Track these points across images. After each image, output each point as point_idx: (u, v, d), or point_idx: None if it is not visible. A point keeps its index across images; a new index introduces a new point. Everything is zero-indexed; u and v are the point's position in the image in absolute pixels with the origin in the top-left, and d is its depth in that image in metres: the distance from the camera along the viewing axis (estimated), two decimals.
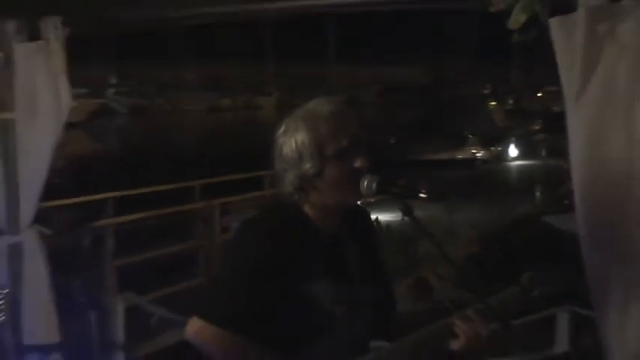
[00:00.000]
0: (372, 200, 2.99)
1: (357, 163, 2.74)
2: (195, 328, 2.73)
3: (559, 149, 26.56)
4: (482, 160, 25.52)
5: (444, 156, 21.67)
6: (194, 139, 45.72)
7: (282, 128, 2.82)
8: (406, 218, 2.70)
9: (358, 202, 2.95)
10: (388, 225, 7.76)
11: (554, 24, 3.17)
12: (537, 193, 20.55)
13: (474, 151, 26.36)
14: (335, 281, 2.81)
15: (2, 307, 4.51)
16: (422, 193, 2.62)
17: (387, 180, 2.74)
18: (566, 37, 3.17)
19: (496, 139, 30.68)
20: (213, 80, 74.77)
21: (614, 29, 3.10)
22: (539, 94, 43.35)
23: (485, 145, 27.99)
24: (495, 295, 2.79)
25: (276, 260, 2.73)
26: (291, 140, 2.78)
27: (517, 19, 3.19)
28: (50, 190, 4.69)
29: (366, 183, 2.71)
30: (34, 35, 4.55)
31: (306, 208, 2.85)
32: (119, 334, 5.75)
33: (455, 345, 2.68)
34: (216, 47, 77.36)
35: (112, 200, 9.81)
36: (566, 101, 3.25)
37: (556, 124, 31.31)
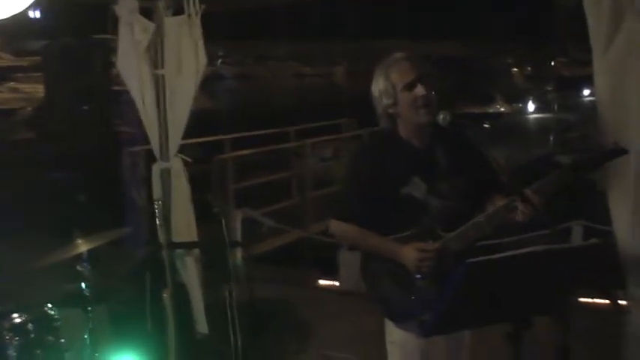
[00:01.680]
0: None
1: (420, 92, 2.89)
2: (332, 225, 3.07)
3: (567, 105, 25.95)
4: (507, 114, 25.07)
5: (478, 110, 21.35)
6: (283, 97, 45.81)
7: (373, 80, 3.02)
8: None
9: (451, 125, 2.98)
10: None
11: None
12: (550, 139, 20.15)
13: (499, 107, 25.91)
14: (425, 181, 2.94)
15: (158, 213, 4.63)
16: (485, 124, 2.65)
17: (455, 114, 2.86)
18: (594, 4, 3.06)
19: (518, 98, 30.11)
20: (297, 53, 74.43)
21: None
22: (552, 63, 42.21)
23: (509, 102, 27.46)
24: (542, 179, 2.82)
25: (378, 168, 2.96)
26: (376, 86, 3.00)
27: None
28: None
29: (441, 117, 2.88)
30: (178, 11, 4.56)
31: (399, 132, 3.01)
32: (238, 237, 5.84)
33: (517, 217, 2.77)
34: (299, 26, 76.86)
35: (228, 141, 9.89)
36: (594, 55, 3.12)
37: (565, 86, 30.68)
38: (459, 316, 2.24)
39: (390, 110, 2.97)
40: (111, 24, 4.60)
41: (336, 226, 3.05)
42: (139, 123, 4.84)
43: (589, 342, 3.88)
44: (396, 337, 3.04)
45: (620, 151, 2.85)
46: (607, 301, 5.44)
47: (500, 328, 2.37)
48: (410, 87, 2.91)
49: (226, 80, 49.87)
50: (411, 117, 2.94)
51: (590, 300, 5.56)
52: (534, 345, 2.44)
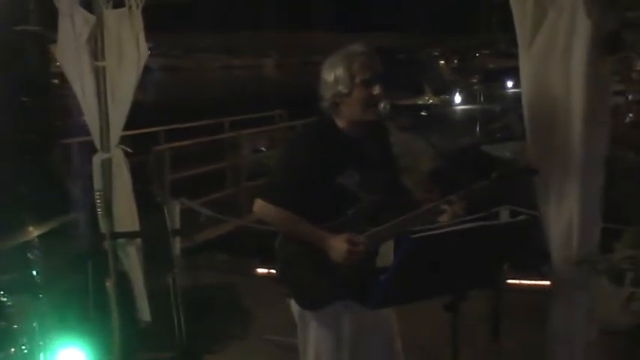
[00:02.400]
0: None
1: (376, 91, 2.97)
2: (258, 205, 3.02)
3: (491, 97, 26.61)
4: (435, 105, 25.54)
5: (408, 102, 21.70)
6: (212, 90, 45.48)
7: (327, 63, 3.03)
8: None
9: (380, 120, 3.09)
10: None
11: None
12: (476, 129, 20.64)
13: (427, 98, 26.38)
14: (358, 173, 3.03)
15: (99, 204, 4.68)
16: (423, 111, 2.82)
17: (395, 104, 2.98)
18: (521, 2, 3.23)
19: (445, 90, 30.70)
20: (225, 45, 73.91)
21: None
22: (477, 55, 43.11)
23: (437, 94, 27.98)
24: (469, 187, 2.96)
25: (315, 156, 2.98)
26: (332, 71, 3.00)
27: None
28: None
29: (382, 105, 2.95)
30: (118, 3, 4.58)
31: (338, 122, 3.07)
32: (178, 226, 5.90)
33: (442, 218, 2.88)
34: (229, 18, 76.29)
35: (162, 132, 9.90)
36: (520, 50, 3.30)
37: (489, 78, 31.38)
38: (402, 289, 2.42)
39: (339, 99, 2.99)
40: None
41: (263, 207, 3.01)
42: (79, 114, 4.86)
43: (519, 318, 4.17)
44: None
45: (533, 172, 3.11)
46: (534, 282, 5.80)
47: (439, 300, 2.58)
48: (368, 83, 2.96)
49: (154, 72, 49.14)
50: (358, 112, 2.99)
51: (518, 281, 5.92)
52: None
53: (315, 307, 3.06)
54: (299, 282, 3.05)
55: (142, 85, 4.76)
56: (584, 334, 3.37)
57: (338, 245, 2.91)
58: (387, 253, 3.00)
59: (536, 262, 3.67)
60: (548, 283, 3.54)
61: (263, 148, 12.36)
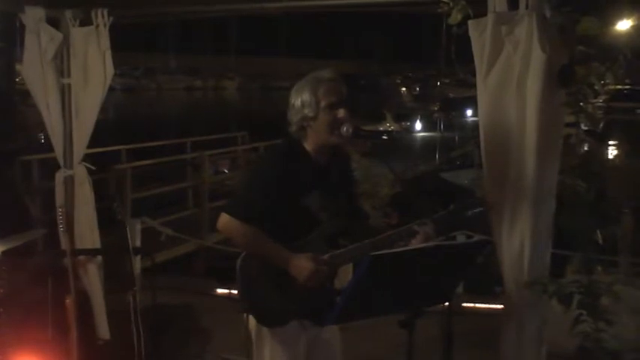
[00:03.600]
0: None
1: (340, 114, 3.06)
2: (223, 220, 3.05)
3: (451, 125, 27.00)
4: (396, 132, 25.84)
5: (369, 128, 21.93)
6: (174, 111, 45.40)
7: (295, 88, 3.13)
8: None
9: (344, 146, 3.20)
10: None
11: (472, 25, 3.38)
12: (436, 156, 20.91)
13: (388, 125, 26.67)
14: (321, 196, 3.11)
15: (61, 220, 4.68)
16: (384, 135, 2.94)
17: (358, 127, 3.10)
18: (479, 35, 3.38)
19: (405, 116, 31.08)
20: (187, 66, 73.79)
21: (512, 30, 3.31)
22: (438, 83, 43.69)
23: (398, 120, 28.32)
24: (438, 214, 3.06)
25: (281, 176, 3.03)
26: (299, 96, 3.08)
27: (455, 17, 3.36)
28: None
29: (345, 128, 3.04)
30: (85, 22, 4.63)
31: (305, 145, 3.14)
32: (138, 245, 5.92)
33: (415, 241, 2.94)
34: (193, 40, 76.25)
35: (124, 151, 9.91)
36: (477, 80, 3.44)
37: (449, 107, 31.87)
38: (361, 305, 2.52)
39: (306, 123, 3.06)
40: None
41: (229, 222, 3.02)
42: (43, 131, 4.87)
43: (473, 341, 4.29)
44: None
45: (487, 206, 3.23)
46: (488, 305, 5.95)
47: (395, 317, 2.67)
48: (333, 107, 3.03)
49: (115, 92, 48.87)
50: (324, 135, 3.06)
51: (472, 304, 6.07)
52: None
53: (273, 324, 3.11)
54: (258, 299, 3.09)
55: (103, 104, 4.79)
56: (535, 356, 3.50)
57: (303, 264, 2.96)
58: (344, 275, 3.11)
59: (490, 284, 3.80)
60: (501, 306, 3.68)
61: (225, 170, 12.40)
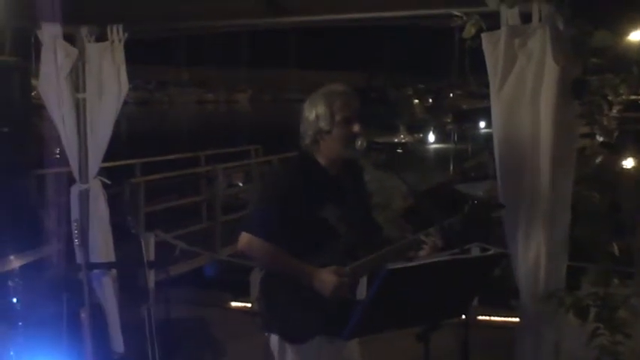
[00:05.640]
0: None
1: (355, 129, 3.07)
2: (244, 240, 3.05)
3: (465, 136, 26.93)
4: (409, 143, 25.85)
5: (382, 140, 21.90)
6: (187, 124, 45.61)
7: (308, 102, 3.13)
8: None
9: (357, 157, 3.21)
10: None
11: (485, 38, 3.39)
12: (450, 168, 20.87)
13: (402, 137, 26.68)
14: (337, 208, 3.12)
15: (76, 234, 4.72)
16: (398, 149, 2.95)
17: (371, 141, 3.10)
18: (492, 48, 3.39)
19: (419, 128, 31.07)
20: (199, 79, 74.18)
21: (525, 43, 3.33)
22: (450, 95, 43.68)
23: (411, 132, 28.32)
24: (446, 220, 3.05)
25: (295, 190, 3.04)
26: (313, 109, 3.09)
27: (469, 30, 3.36)
28: None
29: (359, 142, 3.04)
30: (101, 37, 4.70)
31: (318, 157, 3.15)
32: (152, 259, 5.92)
33: (422, 253, 2.97)
34: (204, 53, 76.59)
35: (138, 164, 9.96)
36: (491, 93, 3.45)
37: (462, 118, 31.78)
38: (377, 319, 2.53)
39: (320, 137, 3.07)
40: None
41: (250, 241, 3.03)
42: (58, 145, 4.92)
43: (488, 354, 4.27)
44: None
45: (501, 206, 3.23)
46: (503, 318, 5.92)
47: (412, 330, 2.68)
48: (348, 121, 3.05)
49: (128, 105, 49.18)
50: (338, 149, 3.08)
51: (488, 317, 6.04)
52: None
53: (298, 340, 3.09)
54: (283, 316, 3.08)
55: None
56: None
57: (327, 278, 2.96)
58: (363, 286, 3.11)
59: (506, 297, 3.79)
60: (517, 320, 3.67)
61: (240, 183, 12.42)
